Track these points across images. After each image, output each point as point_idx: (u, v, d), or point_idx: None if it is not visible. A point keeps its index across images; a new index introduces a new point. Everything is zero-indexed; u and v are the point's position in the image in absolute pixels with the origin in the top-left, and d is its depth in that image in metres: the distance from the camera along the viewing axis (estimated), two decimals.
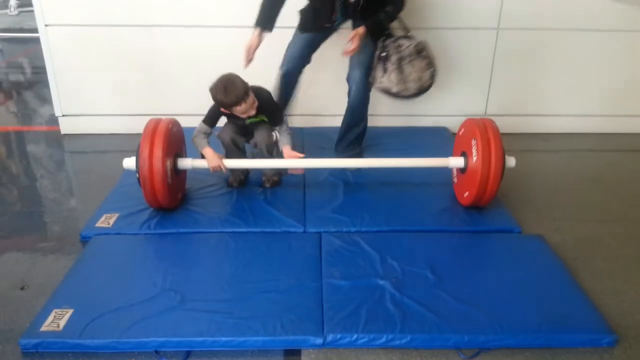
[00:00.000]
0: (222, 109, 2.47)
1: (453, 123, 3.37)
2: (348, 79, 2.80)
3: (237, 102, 2.37)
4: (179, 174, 2.50)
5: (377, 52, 2.67)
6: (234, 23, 3.22)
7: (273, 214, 2.47)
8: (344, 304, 1.89)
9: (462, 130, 2.61)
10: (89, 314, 1.81)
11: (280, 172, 2.77)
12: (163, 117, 2.44)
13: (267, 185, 2.72)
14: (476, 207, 2.52)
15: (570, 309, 1.89)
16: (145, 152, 2.27)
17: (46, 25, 3.22)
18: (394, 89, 2.67)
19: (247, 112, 2.45)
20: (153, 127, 2.35)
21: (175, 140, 2.45)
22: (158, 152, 2.27)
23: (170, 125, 2.39)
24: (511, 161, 2.46)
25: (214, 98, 2.41)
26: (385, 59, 2.65)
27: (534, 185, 2.93)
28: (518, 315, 1.86)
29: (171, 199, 2.41)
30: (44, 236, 2.41)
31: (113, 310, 1.84)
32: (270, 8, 2.63)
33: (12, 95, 4.47)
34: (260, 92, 2.50)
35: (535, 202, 2.75)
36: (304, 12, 2.74)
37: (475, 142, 2.41)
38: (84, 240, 2.32)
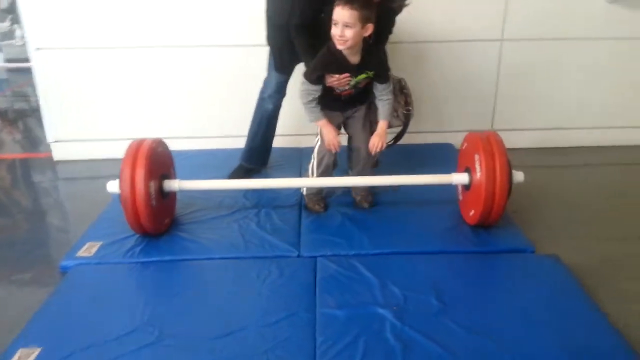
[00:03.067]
0: (332, 45, 2.13)
1: (458, 139, 3.19)
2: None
3: (350, 5, 2.01)
4: (165, 197, 2.36)
5: None
6: (228, 42, 3.14)
7: (266, 238, 2.31)
8: (339, 337, 1.71)
9: (465, 144, 2.45)
10: (58, 353, 1.65)
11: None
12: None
13: (365, 205, 2.50)
14: (484, 226, 2.33)
15: (594, 338, 1.69)
16: (126, 173, 2.13)
17: (37, 49, 3.14)
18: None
19: (345, 36, 2.06)
20: (136, 147, 2.22)
21: (161, 160, 2.32)
22: (140, 172, 2.14)
23: (154, 145, 2.26)
24: (519, 176, 2.28)
25: None
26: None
27: (548, 202, 2.73)
28: (535, 346, 1.66)
29: (156, 223, 2.26)
30: (21, 267, 2.26)
31: (85, 348, 1.67)
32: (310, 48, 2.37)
33: (13, 123, 4.41)
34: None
35: (550, 219, 2.55)
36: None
37: (478, 156, 2.24)
38: (64, 271, 2.17)
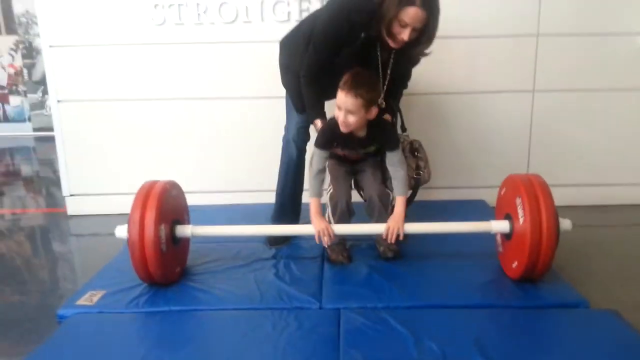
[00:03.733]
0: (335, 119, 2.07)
1: (491, 195, 3.01)
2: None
3: (342, 88, 1.98)
4: (177, 244, 2.18)
5: None
6: (247, 94, 3.09)
7: (284, 288, 2.09)
8: None
9: (504, 189, 2.25)
10: None
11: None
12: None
13: (390, 254, 2.31)
14: (529, 281, 2.08)
15: None
16: (135, 215, 1.98)
17: (58, 101, 3.13)
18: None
19: (344, 114, 2.01)
20: (148, 188, 2.08)
21: (174, 204, 2.17)
22: (150, 214, 1.98)
23: (167, 187, 2.11)
24: (566, 223, 2.05)
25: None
26: None
27: (595, 258, 2.47)
28: None
29: (166, 271, 2.07)
30: (18, 318, 2.06)
31: None
32: (317, 100, 2.30)
33: (36, 187, 4.37)
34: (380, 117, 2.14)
35: (601, 275, 2.29)
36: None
37: (520, 200, 2.04)
38: (61, 320, 1.96)
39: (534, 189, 2.03)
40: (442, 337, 1.73)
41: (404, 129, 2.42)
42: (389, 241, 2.17)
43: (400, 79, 2.36)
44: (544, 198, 2.00)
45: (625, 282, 2.22)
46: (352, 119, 2.03)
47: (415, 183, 2.36)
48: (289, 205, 2.59)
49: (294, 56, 2.29)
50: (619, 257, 2.49)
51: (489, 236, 2.31)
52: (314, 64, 2.18)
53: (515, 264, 2.08)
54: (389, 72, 2.24)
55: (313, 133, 2.52)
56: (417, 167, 2.36)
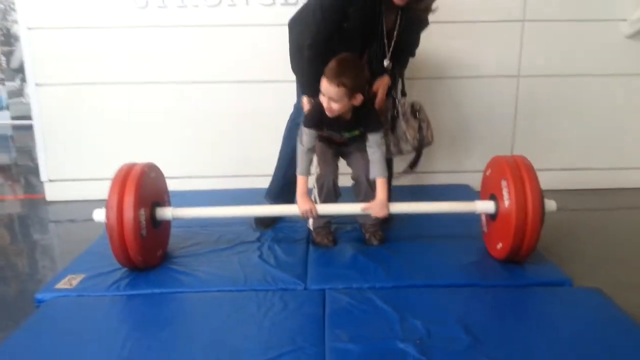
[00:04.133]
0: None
1: (475, 180, 3.01)
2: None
3: (327, 77, 1.95)
4: (157, 227, 2.14)
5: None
6: (230, 79, 3.04)
7: (268, 270, 2.06)
8: None
9: (489, 170, 2.24)
10: None
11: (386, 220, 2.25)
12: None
13: (375, 242, 2.28)
14: (514, 262, 2.08)
15: None
16: (113, 199, 1.93)
17: (37, 85, 3.05)
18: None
19: (329, 102, 1.99)
20: (126, 171, 2.03)
21: (153, 187, 2.12)
22: (129, 199, 1.93)
23: (146, 169, 2.06)
24: (551, 204, 2.04)
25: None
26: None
27: (580, 240, 2.50)
28: None
29: (147, 255, 2.03)
30: None
31: None
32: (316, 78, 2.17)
33: (14, 174, 4.26)
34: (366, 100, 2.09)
35: (585, 256, 2.30)
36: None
37: (505, 182, 2.03)
38: (39, 304, 1.91)
39: (519, 171, 2.02)
40: (427, 315, 1.72)
41: (403, 94, 2.38)
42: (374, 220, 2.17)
43: (407, 45, 2.31)
44: (530, 180, 1.99)
45: (609, 263, 2.24)
46: (335, 106, 2.01)
47: (418, 145, 2.32)
48: (293, 187, 2.52)
49: (305, 32, 2.20)
50: (603, 239, 2.51)
51: (473, 219, 2.32)
52: (321, 31, 2.11)
53: (499, 245, 2.08)
54: (395, 35, 2.20)
55: None
56: (419, 129, 2.32)
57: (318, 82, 2.07)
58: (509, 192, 1.99)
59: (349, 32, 2.12)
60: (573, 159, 3.22)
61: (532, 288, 1.93)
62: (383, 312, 1.75)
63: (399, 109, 2.33)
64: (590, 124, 3.16)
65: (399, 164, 2.49)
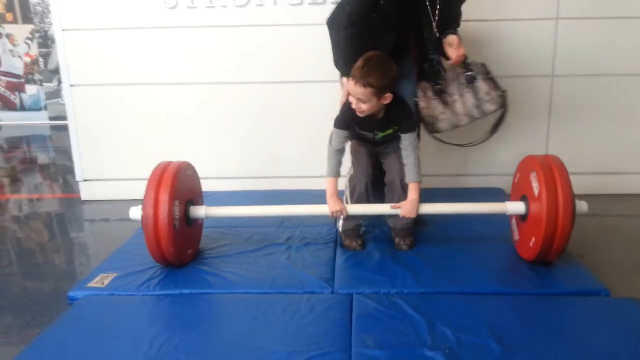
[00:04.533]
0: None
1: (507, 183, 2.94)
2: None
3: (354, 77, 1.92)
4: (190, 225, 2.16)
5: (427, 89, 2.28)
6: (260, 79, 3.04)
7: (296, 273, 2.06)
8: None
9: (518, 175, 2.21)
10: None
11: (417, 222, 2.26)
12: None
13: (404, 247, 2.24)
14: (545, 264, 2.03)
15: None
16: (150, 192, 1.98)
17: (71, 86, 3.12)
18: (464, 120, 2.27)
19: (357, 103, 1.96)
20: (163, 167, 2.08)
21: (188, 184, 2.16)
22: (165, 191, 1.98)
23: (183, 166, 2.11)
24: (582, 205, 1.99)
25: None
26: (441, 91, 2.27)
27: (616, 247, 2.40)
28: None
29: (178, 251, 2.05)
30: (30, 300, 2.06)
31: None
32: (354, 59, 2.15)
33: (52, 173, 4.38)
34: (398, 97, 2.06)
35: (622, 264, 2.22)
36: None
37: (534, 173, 1.99)
38: (72, 302, 1.95)
39: (548, 163, 2.00)
40: (457, 323, 1.68)
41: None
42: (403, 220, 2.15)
43: (452, 16, 2.25)
44: (559, 170, 1.97)
45: None
46: (364, 106, 1.99)
47: (502, 101, 2.26)
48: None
49: (341, 15, 2.19)
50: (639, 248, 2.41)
51: (505, 223, 2.28)
52: (356, 11, 2.11)
53: (532, 241, 2.01)
54: (437, 10, 2.18)
55: None
56: (496, 86, 2.26)
57: (355, 59, 2.04)
58: (539, 182, 1.96)
59: (386, 9, 2.09)
60: (609, 161, 3.11)
61: (566, 297, 1.86)
62: (411, 318, 1.72)
63: (474, 70, 2.27)
64: (628, 125, 3.05)
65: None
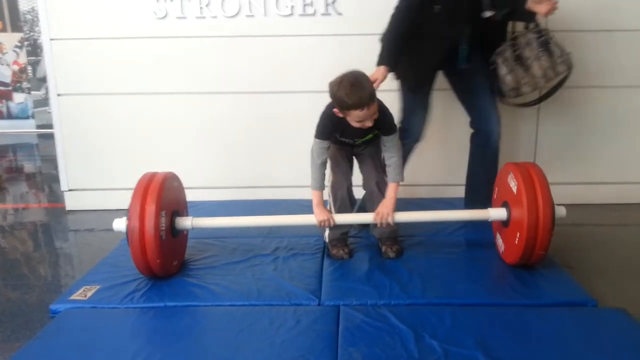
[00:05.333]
0: (335, 112, 2.02)
1: None
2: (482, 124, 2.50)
3: (360, 106, 1.92)
4: (176, 236, 2.13)
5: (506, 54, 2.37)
6: (250, 89, 3.04)
7: (282, 284, 2.03)
8: None
9: (496, 188, 2.26)
10: None
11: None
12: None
13: (391, 254, 2.23)
14: (532, 273, 2.05)
15: None
16: (136, 203, 1.95)
17: (58, 95, 3.09)
18: (542, 82, 2.39)
19: (364, 122, 1.98)
20: (149, 177, 2.06)
21: (174, 195, 2.14)
22: (151, 202, 1.95)
23: (169, 177, 2.08)
24: (561, 210, 2.02)
25: (334, 94, 1.95)
26: (519, 57, 2.36)
27: (605, 258, 2.40)
28: None
29: (164, 262, 2.02)
30: (11, 313, 2.02)
31: None
32: (396, 44, 2.26)
33: (38, 183, 4.33)
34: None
35: (609, 273, 2.22)
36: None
37: (512, 174, 2.06)
38: (54, 315, 1.92)
39: (523, 164, 2.09)
40: (444, 335, 1.67)
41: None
42: (378, 226, 2.16)
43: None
44: (533, 167, 2.06)
45: (634, 280, 2.15)
46: (370, 122, 2.01)
47: (570, 61, 2.37)
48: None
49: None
50: (628, 258, 2.41)
51: (491, 235, 2.27)
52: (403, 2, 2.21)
53: (517, 238, 2.02)
54: None
55: None
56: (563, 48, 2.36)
57: (397, 52, 2.17)
58: (515, 178, 2.03)
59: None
60: (597, 173, 3.12)
61: (554, 308, 1.86)
62: (398, 330, 1.70)
63: (545, 35, 2.35)
64: (617, 136, 3.06)
65: None
